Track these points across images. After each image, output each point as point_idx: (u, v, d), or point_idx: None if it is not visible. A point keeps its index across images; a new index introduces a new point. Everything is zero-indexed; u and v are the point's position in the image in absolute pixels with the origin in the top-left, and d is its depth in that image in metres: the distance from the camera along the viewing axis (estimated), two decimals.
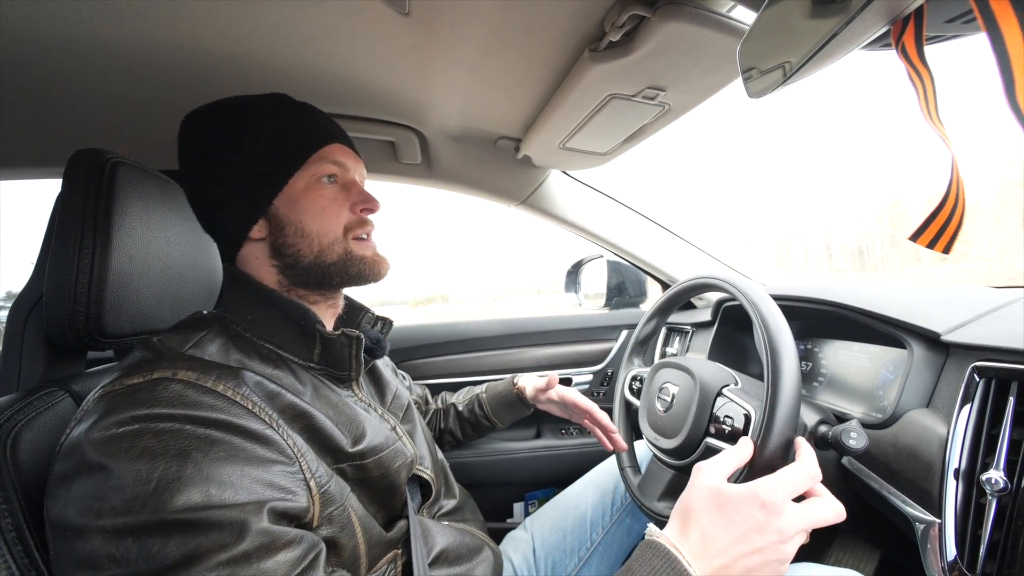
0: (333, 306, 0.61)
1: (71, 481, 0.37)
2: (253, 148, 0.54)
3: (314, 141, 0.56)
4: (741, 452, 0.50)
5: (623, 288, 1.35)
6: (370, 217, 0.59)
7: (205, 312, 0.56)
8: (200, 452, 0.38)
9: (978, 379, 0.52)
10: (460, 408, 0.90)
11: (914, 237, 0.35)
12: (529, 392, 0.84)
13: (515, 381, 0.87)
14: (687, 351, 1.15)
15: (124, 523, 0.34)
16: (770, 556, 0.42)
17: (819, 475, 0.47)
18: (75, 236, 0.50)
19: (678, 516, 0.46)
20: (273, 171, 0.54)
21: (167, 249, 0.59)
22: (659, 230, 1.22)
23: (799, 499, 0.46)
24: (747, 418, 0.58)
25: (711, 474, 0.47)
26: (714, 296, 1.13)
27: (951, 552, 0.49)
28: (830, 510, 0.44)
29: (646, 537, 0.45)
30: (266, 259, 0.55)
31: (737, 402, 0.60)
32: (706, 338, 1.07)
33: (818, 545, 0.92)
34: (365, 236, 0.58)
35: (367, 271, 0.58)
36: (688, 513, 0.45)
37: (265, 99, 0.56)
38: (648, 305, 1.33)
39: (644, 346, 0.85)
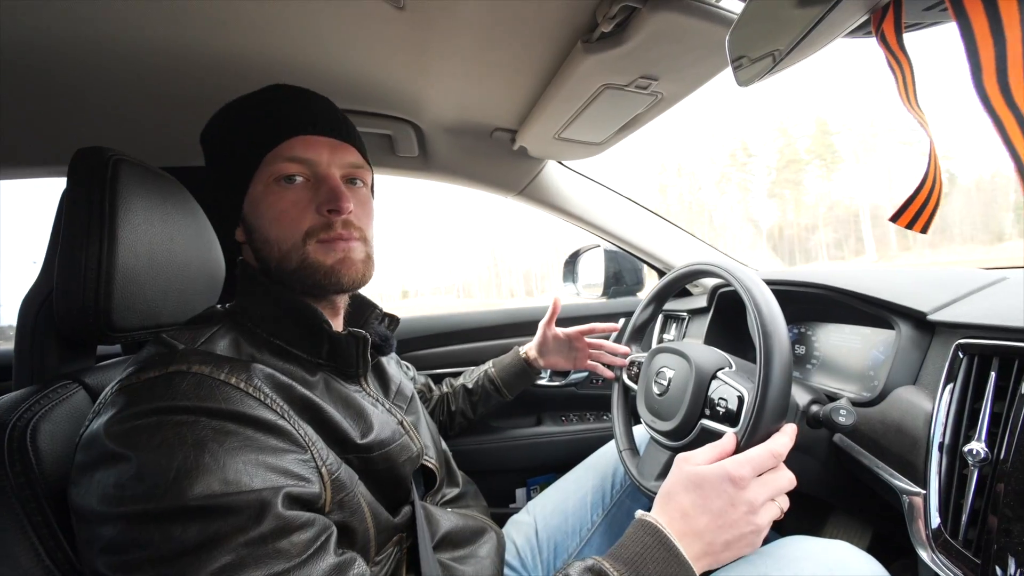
0: (330, 306, 0.59)
1: (92, 471, 0.38)
2: (220, 153, 0.55)
3: (267, 139, 0.52)
4: (723, 444, 0.54)
5: (620, 277, 1.36)
6: (351, 218, 0.54)
7: (218, 307, 0.57)
8: (216, 443, 0.39)
9: (962, 356, 0.54)
10: (469, 386, 0.95)
11: (894, 218, 0.36)
12: (534, 346, 0.95)
13: (520, 350, 0.96)
14: (684, 337, 1.17)
15: (145, 510, 0.36)
16: (744, 528, 0.48)
17: (783, 455, 0.51)
18: (82, 233, 0.51)
19: (661, 499, 0.52)
20: (233, 176, 0.54)
21: (170, 245, 0.60)
22: (655, 219, 1.23)
23: None
24: (740, 399, 0.59)
25: (690, 460, 0.52)
26: (710, 283, 1.14)
27: (935, 520, 0.51)
28: (785, 478, 0.51)
29: (636, 517, 0.50)
30: (254, 261, 0.57)
31: (731, 384, 0.61)
32: (702, 324, 1.08)
33: (812, 523, 0.94)
34: (330, 239, 0.53)
35: (325, 280, 0.52)
36: (670, 496, 0.51)
37: (240, 99, 0.56)
38: (645, 294, 1.35)
39: (642, 332, 0.87)
